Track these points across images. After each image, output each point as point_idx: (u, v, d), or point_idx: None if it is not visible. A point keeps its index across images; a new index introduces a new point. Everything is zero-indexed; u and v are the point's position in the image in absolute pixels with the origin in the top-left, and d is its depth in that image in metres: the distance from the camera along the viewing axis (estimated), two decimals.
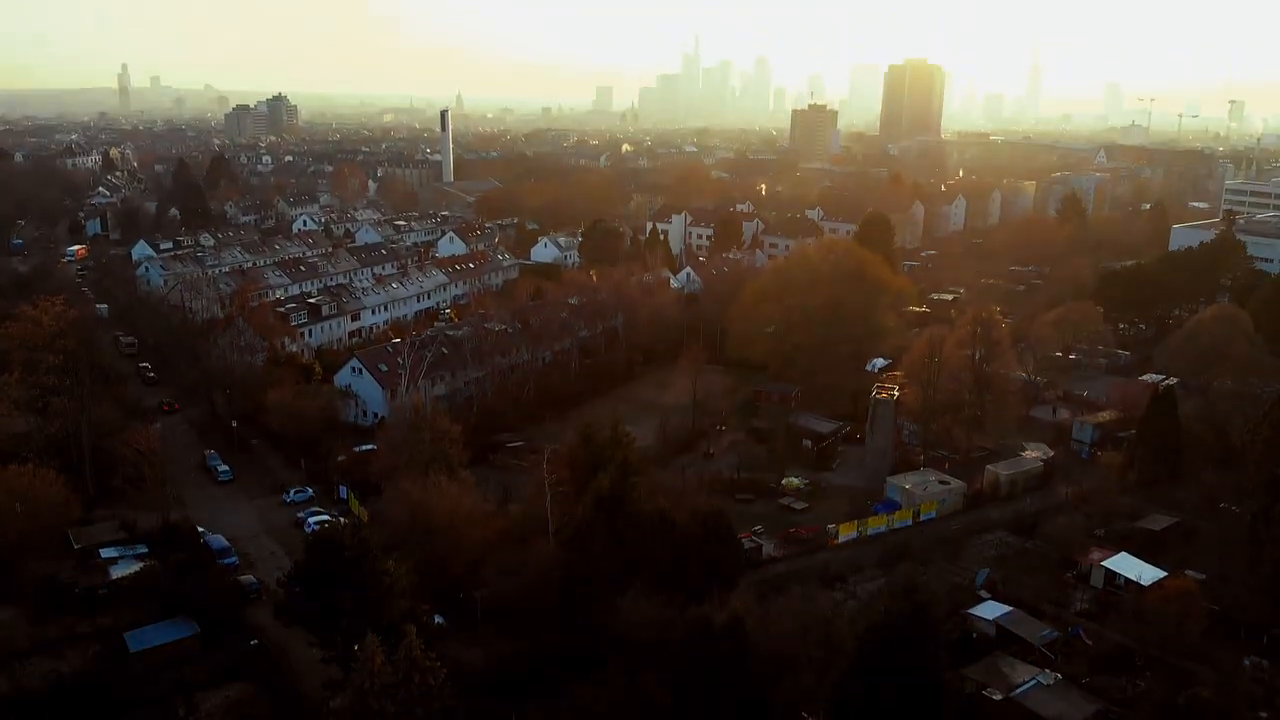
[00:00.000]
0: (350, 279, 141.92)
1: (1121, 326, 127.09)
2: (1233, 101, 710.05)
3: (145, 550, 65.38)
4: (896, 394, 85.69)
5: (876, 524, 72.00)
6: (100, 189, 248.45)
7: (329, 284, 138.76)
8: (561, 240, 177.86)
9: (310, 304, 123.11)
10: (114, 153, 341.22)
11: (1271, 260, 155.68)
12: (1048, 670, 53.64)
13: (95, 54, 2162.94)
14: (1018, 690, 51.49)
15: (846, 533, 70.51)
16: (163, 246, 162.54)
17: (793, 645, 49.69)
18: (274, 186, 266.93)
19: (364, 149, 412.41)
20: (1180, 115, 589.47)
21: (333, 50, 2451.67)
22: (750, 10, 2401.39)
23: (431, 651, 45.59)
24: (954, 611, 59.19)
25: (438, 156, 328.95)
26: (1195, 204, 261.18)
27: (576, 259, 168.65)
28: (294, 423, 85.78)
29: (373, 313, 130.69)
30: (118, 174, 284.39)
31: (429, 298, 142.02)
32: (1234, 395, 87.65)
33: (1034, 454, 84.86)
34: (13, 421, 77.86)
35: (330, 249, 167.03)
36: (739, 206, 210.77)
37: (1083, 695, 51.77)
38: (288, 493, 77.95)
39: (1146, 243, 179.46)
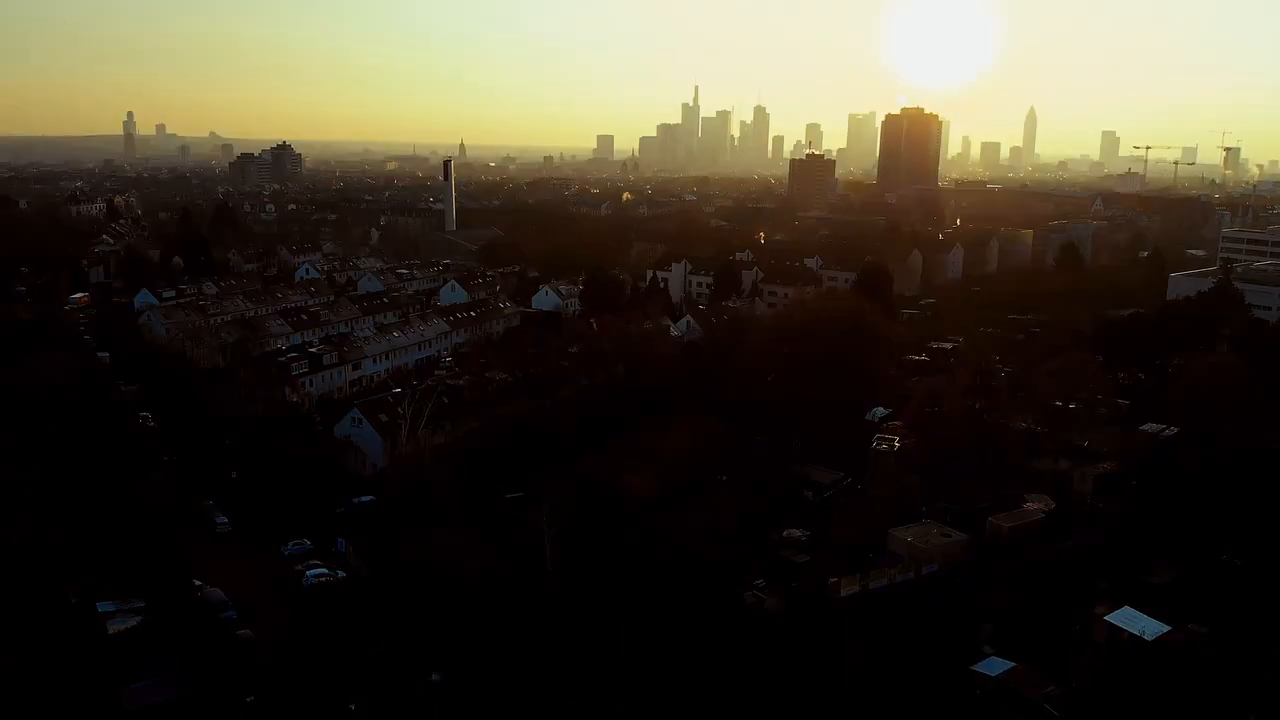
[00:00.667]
0: (352, 328, 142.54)
1: (1121, 375, 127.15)
2: (1228, 149, 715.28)
3: (143, 605, 64.91)
4: (897, 444, 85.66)
5: (879, 578, 71.54)
6: (104, 237, 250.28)
7: (331, 333, 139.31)
8: (562, 288, 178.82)
9: (311, 354, 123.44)
10: (118, 200, 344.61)
11: (1270, 308, 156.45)
12: None
13: (101, 101, 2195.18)
14: None
15: (849, 587, 70.03)
16: (165, 295, 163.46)
17: None
18: (277, 234, 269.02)
19: (367, 197, 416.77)
20: (1176, 163, 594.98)
21: (337, 98, 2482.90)
22: (748, 62, 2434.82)
23: None
24: (958, 667, 58.71)
25: (440, 205, 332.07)
26: (1192, 251, 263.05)
27: (577, 307, 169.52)
28: (293, 474, 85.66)
29: (374, 361, 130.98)
30: (122, 222, 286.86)
31: (430, 346, 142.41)
32: (1235, 445, 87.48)
33: (1035, 505, 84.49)
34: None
35: (332, 297, 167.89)
36: (738, 255, 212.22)
37: None
38: (286, 545, 77.56)
39: (1144, 290, 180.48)
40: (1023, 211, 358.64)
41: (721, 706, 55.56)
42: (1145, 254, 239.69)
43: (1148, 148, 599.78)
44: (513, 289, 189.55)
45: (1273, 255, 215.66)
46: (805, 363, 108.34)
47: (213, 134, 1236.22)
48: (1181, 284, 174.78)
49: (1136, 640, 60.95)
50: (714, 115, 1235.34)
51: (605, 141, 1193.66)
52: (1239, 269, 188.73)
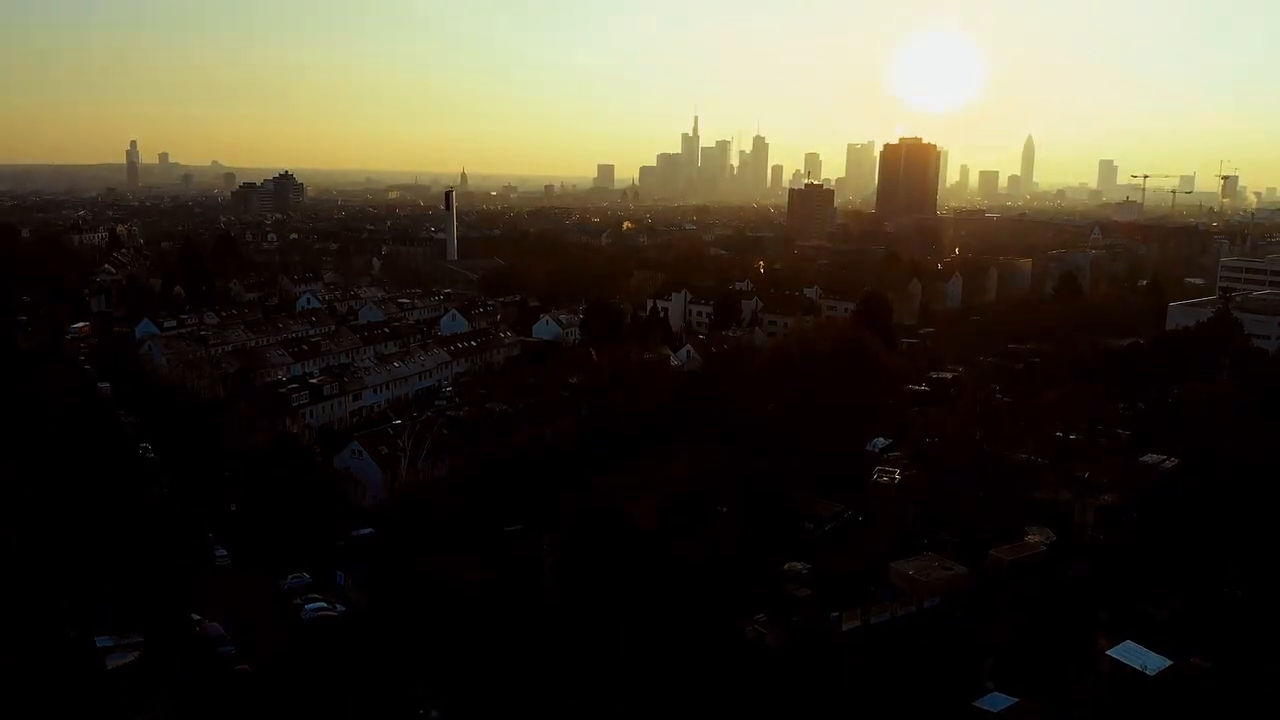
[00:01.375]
0: (353, 358, 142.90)
1: (1121, 406, 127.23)
2: (1226, 177, 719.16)
3: (141, 639, 64.64)
4: (898, 477, 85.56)
5: (880, 612, 71.26)
6: (106, 266, 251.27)
7: (332, 363, 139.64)
8: (563, 317, 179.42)
9: (312, 384, 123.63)
10: (120, 229, 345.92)
11: (1269, 337, 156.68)
12: None
13: (105, 130, 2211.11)
14: None
15: (850, 622, 69.73)
16: (166, 325, 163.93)
17: None
18: (279, 264, 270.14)
19: (369, 226, 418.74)
20: (1174, 191, 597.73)
21: (340, 127, 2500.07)
22: (748, 92, 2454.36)
23: None
24: (959, 702, 58.38)
25: (442, 234, 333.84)
26: (1191, 280, 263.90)
27: (578, 336, 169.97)
28: (293, 506, 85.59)
29: (374, 392, 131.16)
30: (124, 251, 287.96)
31: (430, 376, 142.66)
32: (1235, 476, 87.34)
33: (1036, 537, 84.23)
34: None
35: (333, 327, 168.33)
36: (738, 284, 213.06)
37: None
38: (285, 578, 77.31)
39: (1143, 319, 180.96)
40: (1021, 240, 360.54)
41: None
42: (1144, 283, 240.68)
43: (1145, 176, 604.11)
44: (513, 318, 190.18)
45: (1271, 284, 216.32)
46: (805, 393, 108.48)
47: (215, 163, 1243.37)
48: (1180, 314, 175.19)
49: (1138, 675, 60.64)
50: (714, 145, 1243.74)
51: (606, 170, 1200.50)
52: (1238, 298, 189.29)
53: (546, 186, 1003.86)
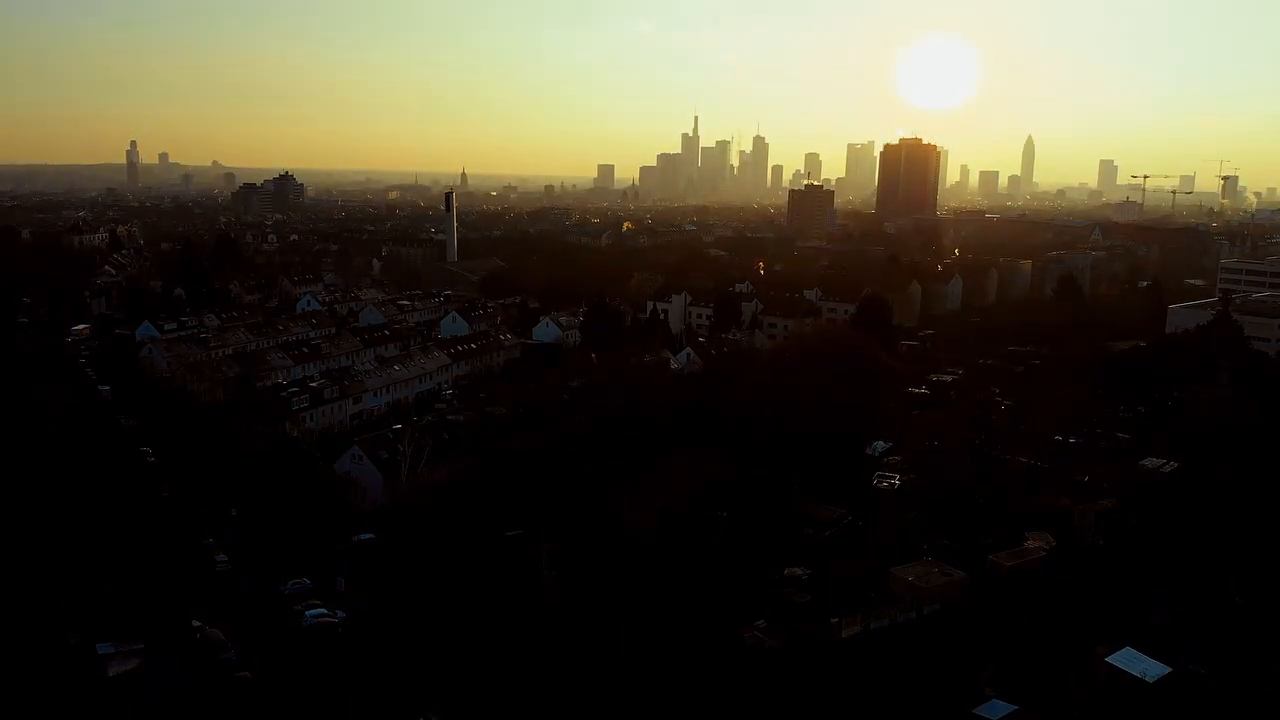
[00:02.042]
0: (353, 361, 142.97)
1: (1121, 409, 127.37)
2: (1226, 177, 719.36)
3: (142, 646, 64.71)
4: (898, 482, 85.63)
5: (880, 618, 71.31)
6: (106, 267, 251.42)
7: (332, 366, 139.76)
8: (563, 320, 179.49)
9: (312, 388, 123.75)
10: (121, 230, 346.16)
11: (1269, 340, 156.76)
12: None
13: (105, 130, 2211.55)
14: None
15: (850, 628, 69.79)
16: (167, 327, 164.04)
17: None
18: (279, 265, 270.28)
19: (369, 227, 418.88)
20: (1174, 191, 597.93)
21: (340, 127, 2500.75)
22: (748, 92, 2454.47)
23: None
24: (959, 710, 58.45)
25: (442, 235, 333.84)
26: (1191, 281, 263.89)
27: (578, 338, 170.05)
28: (293, 510, 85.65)
29: (374, 395, 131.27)
30: (124, 252, 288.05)
31: (430, 379, 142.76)
32: (1235, 480, 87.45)
33: (1036, 543, 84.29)
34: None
35: (333, 330, 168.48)
36: (738, 286, 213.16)
37: None
38: (286, 584, 77.37)
39: (1143, 321, 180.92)
40: (1021, 241, 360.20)
41: None
42: (1144, 284, 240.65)
43: (1145, 176, 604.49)
44: (513, 320, 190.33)
45: (1271, 286, 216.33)
46: (805, 396, 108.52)
47: (215, 163, 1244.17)
48: (1180, 316, 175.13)
49: (1137, 682, 60.71)
50: (714, 145, 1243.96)
51: (606, 171, 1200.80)
52: (1238, 300, 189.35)
53: (546, 187, 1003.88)
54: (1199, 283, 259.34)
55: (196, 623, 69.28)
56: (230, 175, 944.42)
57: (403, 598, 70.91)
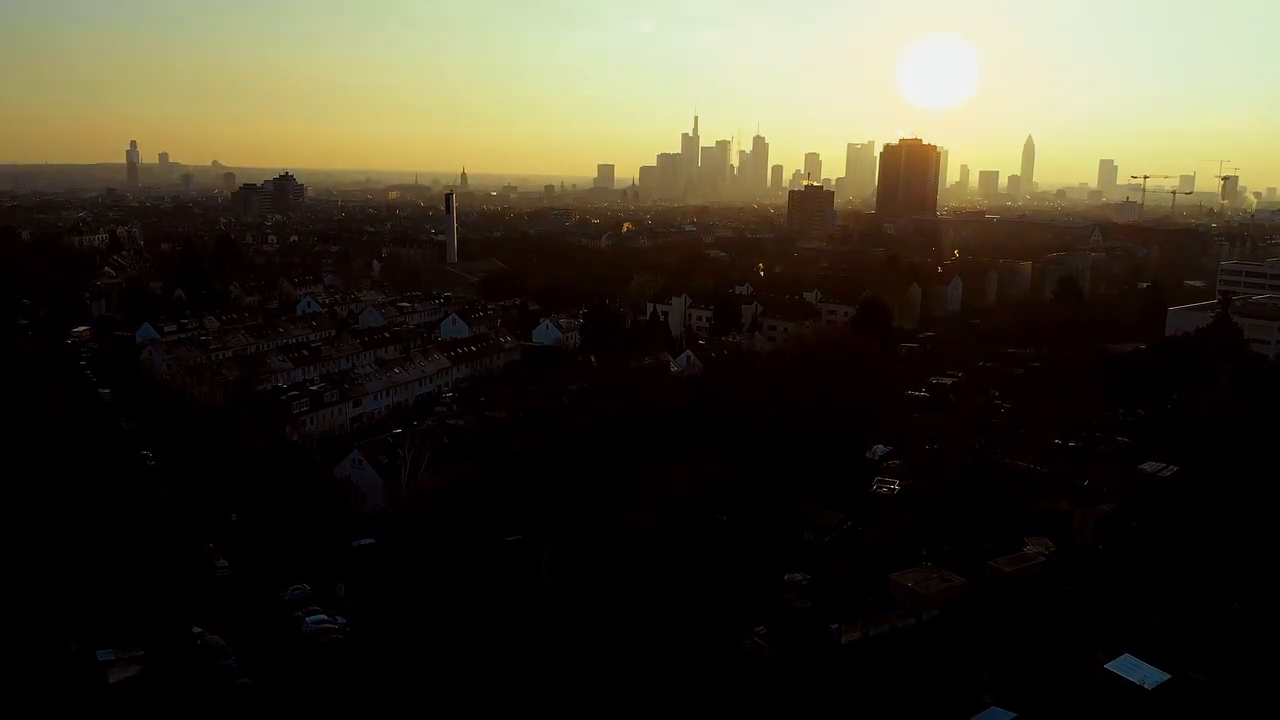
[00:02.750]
0: (353, 363, 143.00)
1: (1121, 412, 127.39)
2: (1225, 177, 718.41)
3: (142, 653, 64.75)
4: (897, 487, 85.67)
5: (880, 624, 71.36)
6: (106, 269, 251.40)
7: (332, 369, 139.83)
8: (563, 322, 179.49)
9: (312, 391, 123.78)
10: (121, 231, 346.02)
11: (1269, 342, 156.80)
12: None
13: (105, 130, 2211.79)
14: None
15: (850, 634, 69.83)
16: (167, 329, 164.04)
17: None
18: (279, 266, 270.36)
19: (369, 228, 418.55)
20: (1174, 192, 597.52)
21: (340, 126, 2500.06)
22: (748, 92, 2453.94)
23: None
24: (958, 718, 58.51)
25: (442, 236, 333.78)
26: (1191, 282, 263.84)
27: (578, 340, 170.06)
28: (293, 515, 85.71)
29: (375, 398, 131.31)
30: (124, 253, 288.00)
31: (430, 382, 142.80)
32: (1235, 484, 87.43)
33: (1036, 547, 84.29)
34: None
35: (334, 332, 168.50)
36: (738, 288, 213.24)
37: None
38: (286, 590, 77.42)
39: (1143, 323, 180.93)
40: (1021, 242, 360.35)
41: None
42: (1144, 285, 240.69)
43: (1145, 177, 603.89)
44: (513, 322, 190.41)
45: (1271, 288, 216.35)
46: (805, 399, 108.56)
47: (215, 163, 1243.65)
48: (1180, 318, 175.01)
49: (1136, 689, 60.73)
50: (713, 145, 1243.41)
51: (606, 170, 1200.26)
52: (1238, 302, 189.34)
53: (546, 187, 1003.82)
54: (1199, 284, 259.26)
55: (197, 629, 69.31)
56: (230, 175, 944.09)
57: (403, 603, 70.97)
